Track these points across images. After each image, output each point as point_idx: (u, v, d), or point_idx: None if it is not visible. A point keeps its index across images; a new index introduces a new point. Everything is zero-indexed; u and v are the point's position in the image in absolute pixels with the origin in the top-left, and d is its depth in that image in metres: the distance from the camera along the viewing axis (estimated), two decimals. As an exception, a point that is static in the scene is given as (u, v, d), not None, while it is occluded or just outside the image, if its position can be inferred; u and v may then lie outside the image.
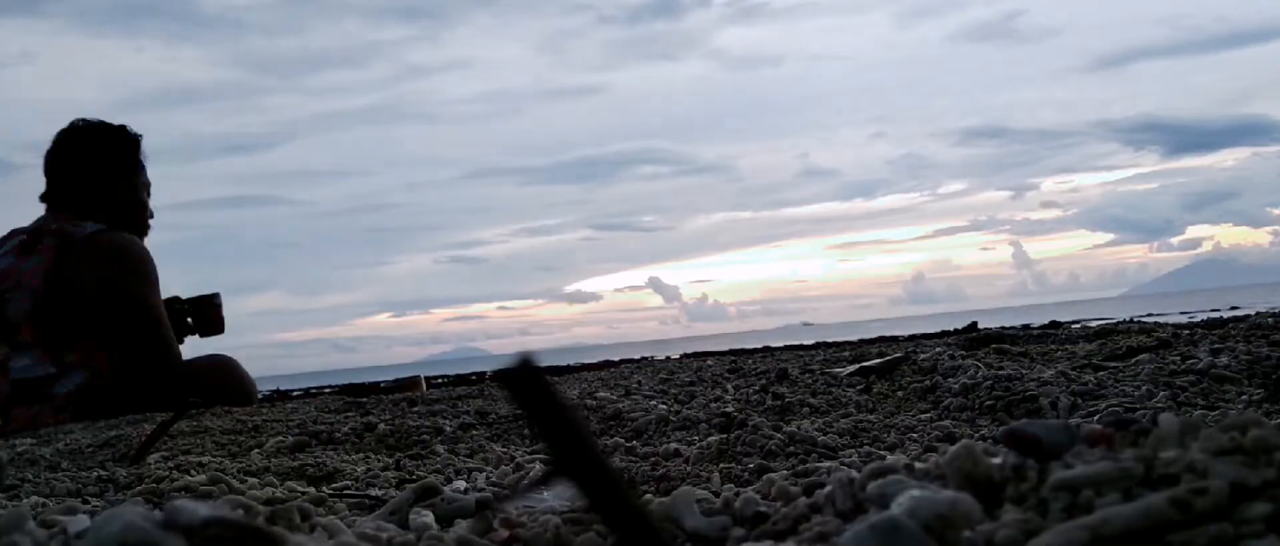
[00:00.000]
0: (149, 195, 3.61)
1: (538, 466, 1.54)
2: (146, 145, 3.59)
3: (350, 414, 2.30)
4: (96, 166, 3.45)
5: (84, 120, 3.54)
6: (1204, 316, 3.70)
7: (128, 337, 3.34)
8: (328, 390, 4.27)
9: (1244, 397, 1.88)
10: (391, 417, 2.13)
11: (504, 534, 0.89)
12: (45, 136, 3.51)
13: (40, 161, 3.50)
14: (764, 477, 0.99)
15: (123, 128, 3.55)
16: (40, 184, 3.49)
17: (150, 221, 3.61)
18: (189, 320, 3.73)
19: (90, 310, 3.24)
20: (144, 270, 3.36)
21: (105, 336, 3.29)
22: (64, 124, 3.53)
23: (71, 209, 3.40)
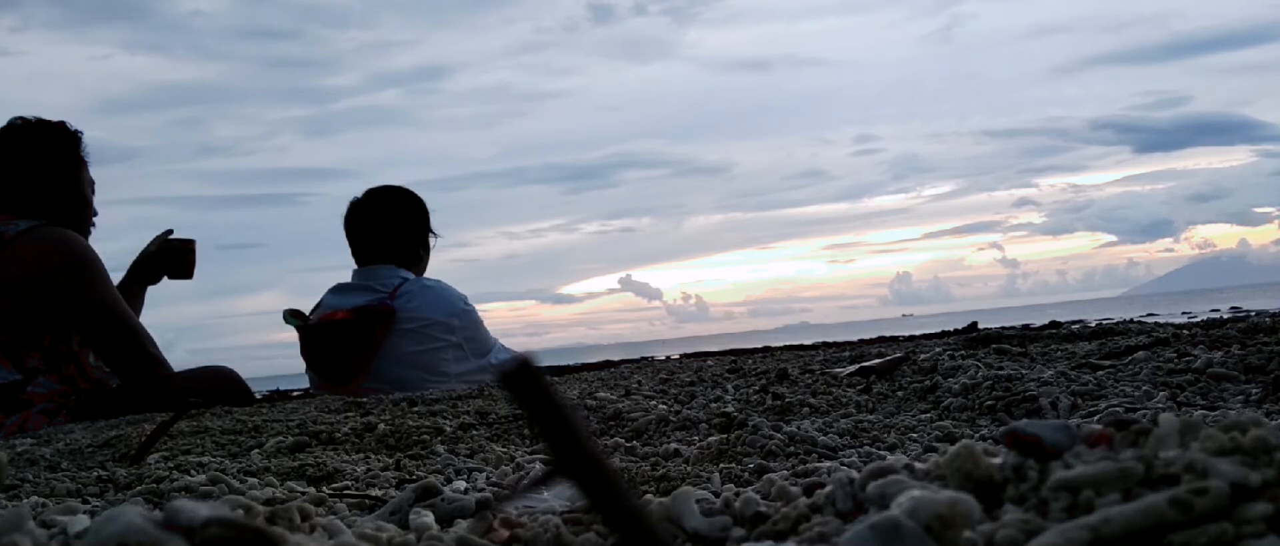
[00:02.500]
0: (93, 194, 3.50)
1: (538, 466, 1.54)
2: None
3: (350, 414, 2.30)
4: (36, 164, 3.34)
5: (21, 118, 3.41)
6: (1204, 316, 3.70)
7: (99, 344, 3.26)
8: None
9: (1243, 396, 1.88)
10: (391, 418, 2.13)
11: (504, 534, 0.89)
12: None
13: None
14: (764, 477, 0.99)
15: (62, 124, 3.43)
16: None
17: (94, 220, 3.49)
18: (157, 259, 3.68)
19: (35, 313, 3.14)
20: (88, 265, 3.23)
21: (66, 340, 3.21)
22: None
23: (9, 208, 3.28)
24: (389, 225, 3.73)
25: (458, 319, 3.59)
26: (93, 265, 3.25)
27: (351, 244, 3.76)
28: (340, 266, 3.77)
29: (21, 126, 3.40)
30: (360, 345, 3.42)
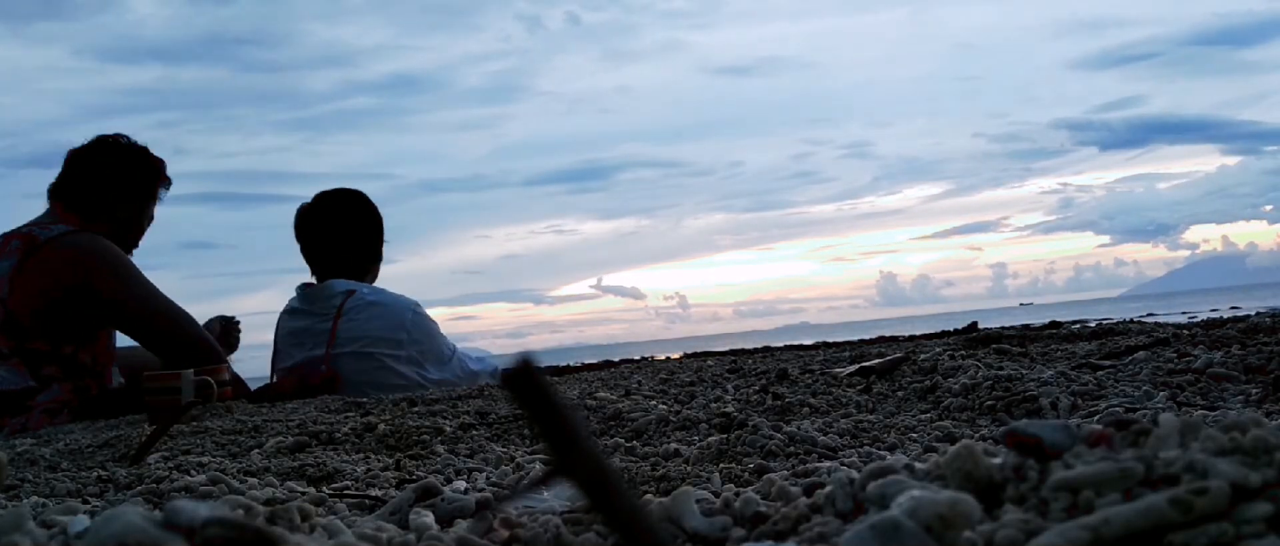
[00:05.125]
0: (149, 222, 3.62)
1: (538, 466, 1.54)
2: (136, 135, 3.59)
3: (350, 414, 2.30)
4: (107, 180, 3.46)
5: (122, 137, 3.55)
6: (1204, 316, 3.70)
7: (148, 341, 3.32)
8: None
9: (1243, 396, 1.88)
10: (391, 418, 2.13)
11: (504, 534, 0.89)
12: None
13: None
14: (764, 478, 0.99)
15: (145, 150, 3.56)
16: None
17: (137, 242, 3.58)
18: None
19: (60, 321, 3.19)
20: (113, 267, 3.28)
21: (88, 351, 3.25)
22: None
23: (74, 208, 3.39)
24: (340, 233, 3.62)
25: (406, 331, 3.44)
26: (120, 268, 3.30)
27: (303, 252, 3.66)
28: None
29: (113, 141, 3.52)
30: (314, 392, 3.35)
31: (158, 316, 3.33)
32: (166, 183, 3.63)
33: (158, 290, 3.38)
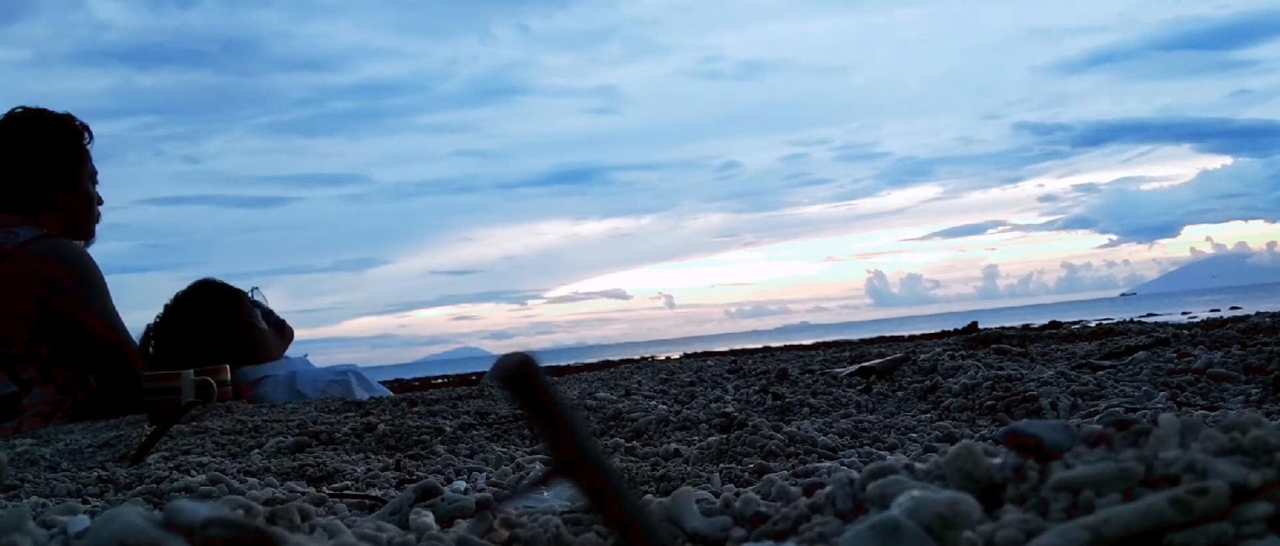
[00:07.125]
0: (95, 184, 3.37)
1: (538, 466, 1.54)
2: (111, 138, 3.33)
3: (350, 414, 2.30)
4: (37, 162, 3.23)
5: (24, 108, 3.30)
6: (1204, 316, 3.71)
7: (88, 360, 3.21)
8: None
9: (1243, 396, 1.88)
10: (391, 418, 2.13)
11: (504, 534, 0.89)
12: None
13: None
14: (764, 478, 0.99)
15: (66, 117, 3.31)
16: None
17: (99, 214, 3.38)
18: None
19: (36, 328, 3.11)
20: (81, 280, 3.16)
21: (65, 351, 3.18)
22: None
23: (12, 207, 3.22)
24: (197, 334, 3.32)
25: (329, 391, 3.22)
26: (88, 283, 3.19)
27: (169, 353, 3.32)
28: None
29: (22, 117, 3.28)
30: None
31: (108, 340, 3.20)
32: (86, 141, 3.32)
33: (111, 313, 3.23)
